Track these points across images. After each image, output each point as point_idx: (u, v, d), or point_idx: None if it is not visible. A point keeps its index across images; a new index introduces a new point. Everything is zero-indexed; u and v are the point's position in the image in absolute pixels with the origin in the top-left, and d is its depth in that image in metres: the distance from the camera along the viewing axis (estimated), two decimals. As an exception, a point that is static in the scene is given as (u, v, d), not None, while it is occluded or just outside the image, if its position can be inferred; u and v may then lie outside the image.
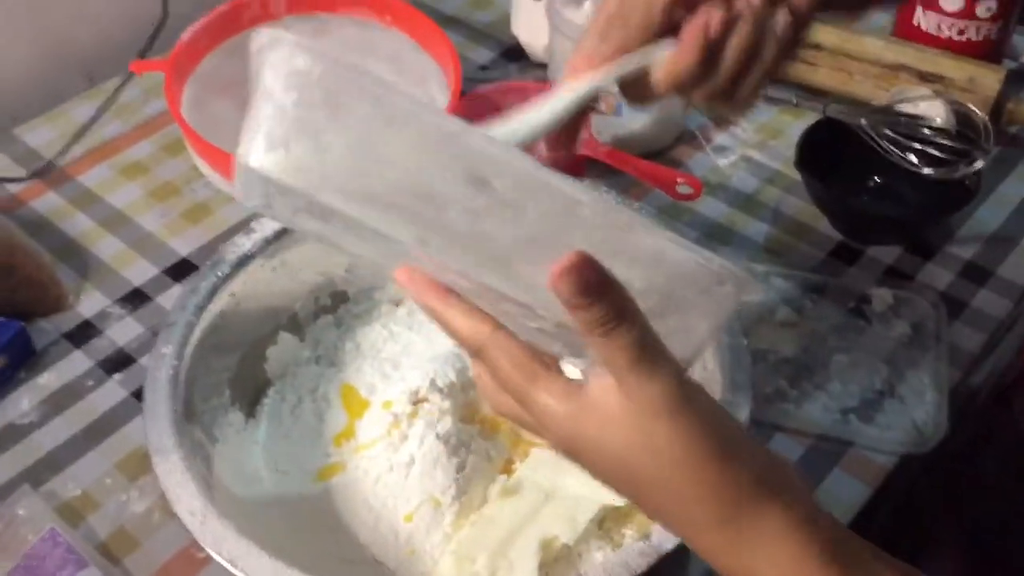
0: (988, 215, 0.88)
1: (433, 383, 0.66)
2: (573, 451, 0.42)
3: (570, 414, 0.41)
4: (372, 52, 0.97)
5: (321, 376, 0.71)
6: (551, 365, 0.42)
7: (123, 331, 0.79)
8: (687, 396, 0.39)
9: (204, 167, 0.89)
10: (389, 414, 0.65)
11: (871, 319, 0.80)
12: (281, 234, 0.69)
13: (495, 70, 1.05)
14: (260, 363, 0.71)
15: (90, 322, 0.80)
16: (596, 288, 0.37)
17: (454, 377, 0.67)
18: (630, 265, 0.42)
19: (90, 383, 0.76)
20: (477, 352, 0.43)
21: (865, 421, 0.73)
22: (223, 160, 0.82)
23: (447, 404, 0.65)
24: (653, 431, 0.39)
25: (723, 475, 0.39)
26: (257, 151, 0.39)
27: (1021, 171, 0.93)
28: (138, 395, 0.75)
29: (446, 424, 0.64)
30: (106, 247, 0.85)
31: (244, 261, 0.67)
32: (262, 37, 0.40)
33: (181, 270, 0.84)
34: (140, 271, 0.83)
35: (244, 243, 0.68)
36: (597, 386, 0.41)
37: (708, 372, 0.61)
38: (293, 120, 0.39)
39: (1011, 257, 0.85)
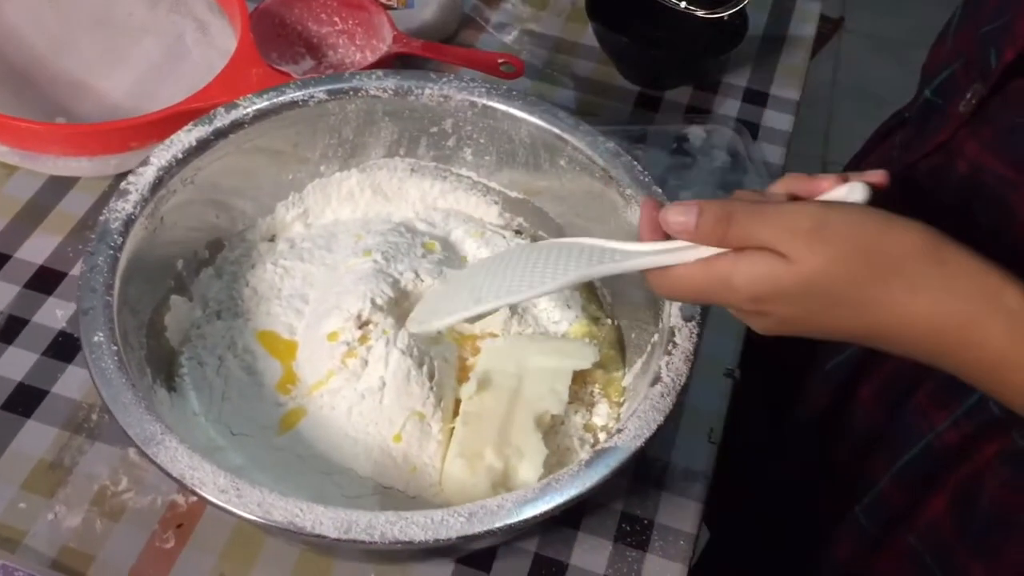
0: (748, 46, 0.98)
1: (374, 303, 0.64)
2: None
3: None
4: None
5: (230, 330, 0.66)
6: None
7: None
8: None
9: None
10: (340, 344, 0.63)
11: (694, 155, 0.88)
12: (157, 187, 0.62)
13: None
14: (163, 334, 0.65)
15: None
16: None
17: (390, 292, 0.65)
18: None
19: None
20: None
21: (723, 244, 0.81)
22: None
23: (391, 320, 0.64)
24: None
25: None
26: None
27: (757, 2, 1.04)
28: (8, 407, 0.66)
29: (403, 338, 0.63)
30: None
31: (129, 224, 0.61)
32: None
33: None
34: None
35: (124, 207, 0.61)
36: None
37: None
38: None
39: (776, 77, 0.97)
